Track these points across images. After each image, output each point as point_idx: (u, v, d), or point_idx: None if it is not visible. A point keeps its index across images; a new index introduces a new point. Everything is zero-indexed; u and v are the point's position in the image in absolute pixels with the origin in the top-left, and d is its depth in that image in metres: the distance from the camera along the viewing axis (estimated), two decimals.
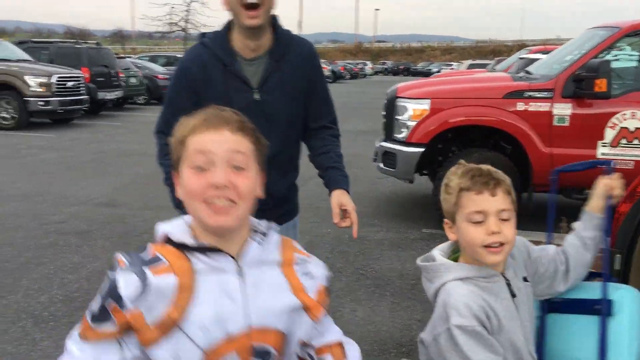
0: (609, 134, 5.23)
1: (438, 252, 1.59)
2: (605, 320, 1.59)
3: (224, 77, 2.01)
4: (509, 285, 1.53)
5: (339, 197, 2.06)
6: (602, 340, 1.57)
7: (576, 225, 1.74)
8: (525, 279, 1.60)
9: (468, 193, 1.47)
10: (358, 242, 5.32)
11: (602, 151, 5.24)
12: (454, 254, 1.61)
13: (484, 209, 1.45)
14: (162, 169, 2.19)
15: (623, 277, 2.24)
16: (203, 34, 2.13)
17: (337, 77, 43.52)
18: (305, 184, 7.51)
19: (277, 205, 2.15)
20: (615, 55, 5.73)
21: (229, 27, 2.05)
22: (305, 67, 2.10)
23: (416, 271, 4.19)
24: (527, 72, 6.15)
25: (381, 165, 6.13)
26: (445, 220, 1.55)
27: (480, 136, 5.74)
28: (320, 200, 6.74)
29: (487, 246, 1.45)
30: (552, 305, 1.72)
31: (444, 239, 1.64)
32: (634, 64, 5.68)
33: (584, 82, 5.15)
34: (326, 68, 41.58)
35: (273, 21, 2.04)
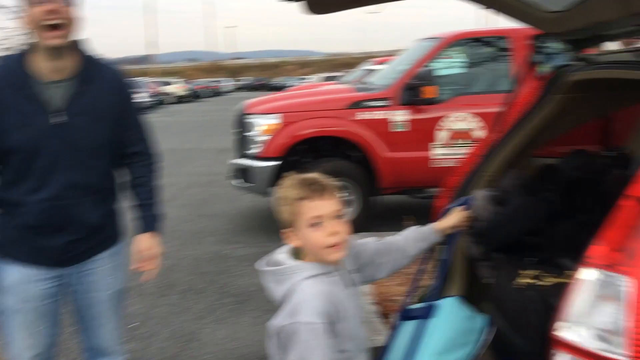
0: (440, 135, 5.72)
1: (285, 256, 1.67)
2: (423, 322, 1.75)
3: (17, 100, 1.93)
4: (345, 276, 1.66)
5: (140, 242, 2.19)
6: (413, 340, 1.73)
7: (418, 229, 1.93)
8: (352, 270, 1.74)
9: (304, 201, 1.58)
10: (220, 261, 5.30)
11: (435, 152, 5.72)
12: (296, 256, 1.70)
13: (320, 214, 1.57)
14: None
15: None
16: None
17: (195, 96, 42.88)
18: (164, 207, 7.30)
19: (92, 234, 2.12)
20: (444, 64, 6.30)
21: (28, 49, 1.98)
22: (114, 93, 2.07)
23: None
24: (368, 83, 6.54)
25: (237, 181, 6.17)
26: (285, 229, 1.64)
27: (330, 146, 5.98)
28: (180, 223, 6.63)
29: (329, 246, 1.58)
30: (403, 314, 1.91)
31: None
32: (458, 70, 6.27)
33: (415, 90, 5.60)
34: (185, 87, 40.86)
35: (79, 45, 2.01)
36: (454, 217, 1.97)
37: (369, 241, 1.89)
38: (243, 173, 6.04)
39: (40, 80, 1.94)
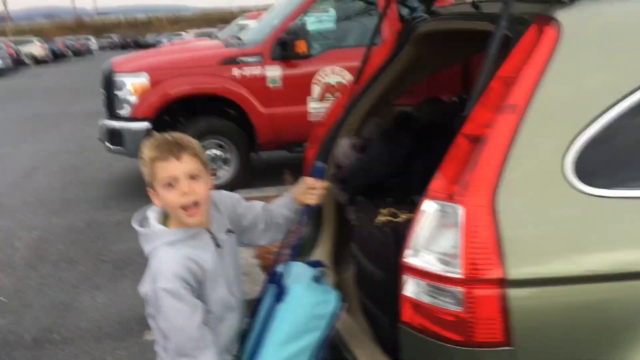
0: (316, 90, 5.83)
1: (153, 216, 1.67)
2: (273, 305, 1.73)
3: None
4: (214, 238, 1.68)
5: None
6: (263, 325, 1.72)
7: (281, 199, 1.89)
8: (229, 231, 1.77)
9: (158, 162, 1.58)
10: (95, 228, 5.12)
11: (312, 106, 5.83)
12: (165, 218, 1.70)
13: (173, 174, 1.58)
14: None
15: (318, 211, 2.57)
16: None
17: (58, 56, 39.74)
18: (30, 175, 6.88)
19: None
20: (315, 18, 6.37)
21: None
22: None
23: None
24: (239, 39, 6.46)
25: (108, 144, 5.92)
26: (148, 188, 1.65)
27: (204, 104, 5.89)
28: (49, 192, 6.27)
29: (184, 208, 1.59)
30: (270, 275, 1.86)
31: None
32: (329, 24, 6.37)
33: (287, 44, 5.63)
34: (44, 47, 37.67)
35: None
36: (302, 188, 1.84)
37: (256, 204, 1.87)
38: (114, 135, 5.80)
39: None
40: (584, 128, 1.42)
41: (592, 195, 1.41)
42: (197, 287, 1.58)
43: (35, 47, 36.34)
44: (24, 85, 20.74)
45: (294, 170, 5.50)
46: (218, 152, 5.81)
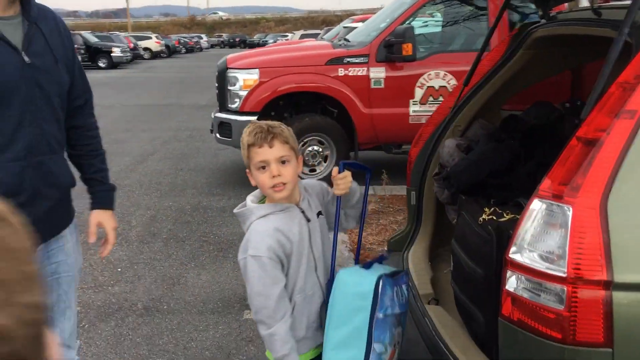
0: (418, 93, 5.87)
1: (250, 198, 1.87)
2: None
3: None
4: (303, 213, 1.83)
5: (98, 217, 2.00)
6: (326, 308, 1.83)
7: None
8: (320, 213, 1.90)
9: (253, 147, 1.76)
10: (201, 211, 5.46)
11: (413, 109, 5.87)
12: (263, 197, 1.86)
13: (265, 159, 1.75)
14: None
15: (418, 209, 2.65)
16: None
17: (172, 51, 42.12)
18: (146, 160, 7.41)
19: (66, 197, 1.89)
20: (422, 22, 6.40)
21: None
22: (61, 34, 1.83)
23: None
24: (346, 40, 6.61)
25: (218, 135, 6.27)
26: (247, 170, 1.83)
27: (309, 101, 6.10)
28: (161, 176, 6.74)
29: (272, 187, 1.75)
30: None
31: None
32: (436, 28, 6.37)
33: (393, 47, 5.70)
34: (160, 42, 40.10)
35: None
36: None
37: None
38: (223, 127, 6.14)
39: None
40: None
41: None
42: (284, 259, 1.72)
43: (152, 42, 38.75)
44: (141, 77, 22.21)
45: (391, 170, 5.59)
46: (318, 149, 5.99)
